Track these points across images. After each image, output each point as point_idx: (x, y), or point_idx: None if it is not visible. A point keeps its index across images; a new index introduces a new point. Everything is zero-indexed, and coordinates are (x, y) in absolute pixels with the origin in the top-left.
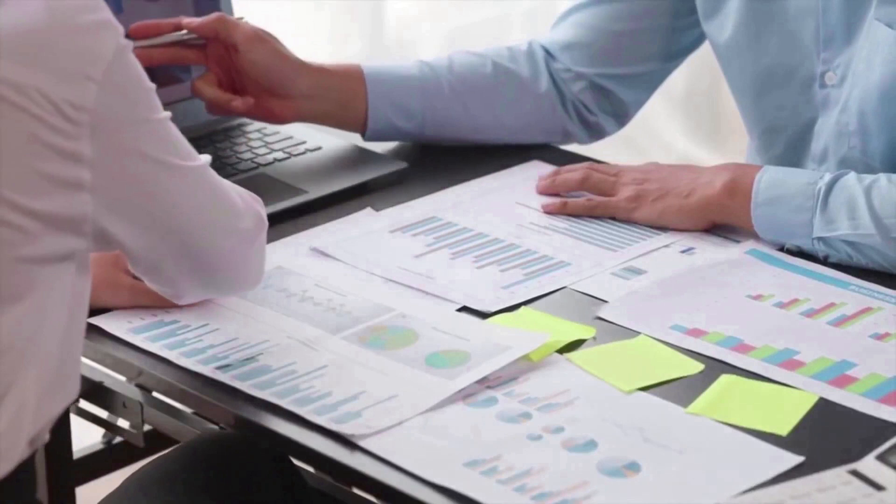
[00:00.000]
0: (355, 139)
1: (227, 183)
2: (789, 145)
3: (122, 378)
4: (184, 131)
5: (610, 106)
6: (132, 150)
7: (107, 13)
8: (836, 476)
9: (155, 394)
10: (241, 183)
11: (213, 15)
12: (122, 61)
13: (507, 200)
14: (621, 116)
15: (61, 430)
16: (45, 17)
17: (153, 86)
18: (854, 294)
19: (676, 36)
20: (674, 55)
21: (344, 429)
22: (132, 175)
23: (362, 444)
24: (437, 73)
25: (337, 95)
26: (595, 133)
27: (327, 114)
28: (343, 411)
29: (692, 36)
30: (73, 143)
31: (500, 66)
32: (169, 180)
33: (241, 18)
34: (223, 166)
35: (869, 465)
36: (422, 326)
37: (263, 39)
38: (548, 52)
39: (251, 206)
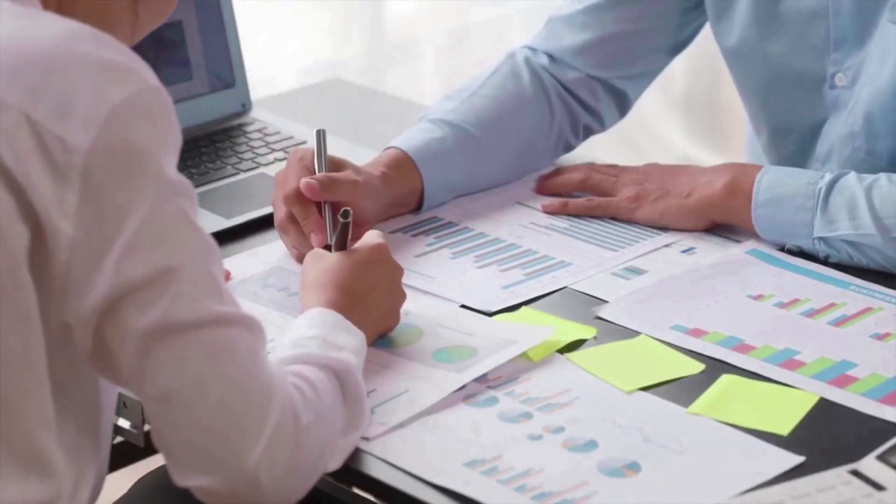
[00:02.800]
0: (355, 139)
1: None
2: (798, 146)
3: None
4: (184, 132)
5: (617, 105)
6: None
7: (132, 62)
8: (836, 476)
9: None
10: (241, 183)
11: (323, 178)
12: (127, 118)
13: (507, 200)
14: (624, 112)
15: None
16: (58, 41)
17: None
18: (854, 294)
19: (684, 29)
20: (680, 46)
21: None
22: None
23: (362, 444)
24: (474, 137)
25: (397, 197)
26: (588, 135)
27: (384, 214)
28: None
29: (697, 26)
30: (61, 186)
31: (519, 110)
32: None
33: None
34: (223, 166)
35: (869, 465)
36: (426, 324)
37: (362, 188)
38: (554, 62)
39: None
